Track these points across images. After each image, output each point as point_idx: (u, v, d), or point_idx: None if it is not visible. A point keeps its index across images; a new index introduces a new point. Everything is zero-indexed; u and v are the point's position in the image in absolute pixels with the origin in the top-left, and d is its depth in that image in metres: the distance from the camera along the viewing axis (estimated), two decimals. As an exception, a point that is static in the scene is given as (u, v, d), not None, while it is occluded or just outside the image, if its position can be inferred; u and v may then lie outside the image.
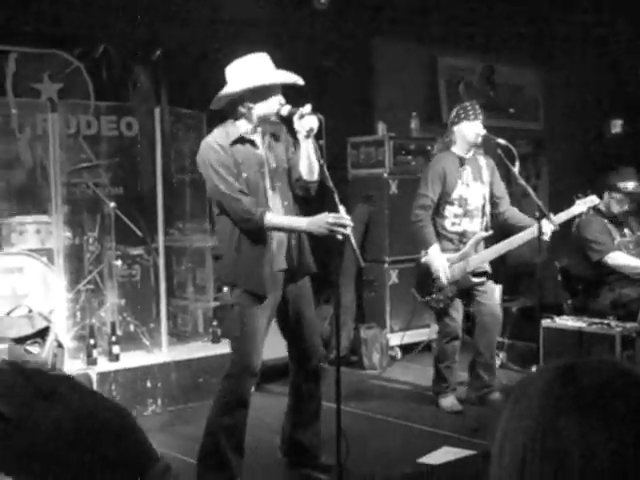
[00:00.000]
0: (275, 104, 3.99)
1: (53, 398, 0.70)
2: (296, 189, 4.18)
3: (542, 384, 0.90)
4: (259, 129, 4.09)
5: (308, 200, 4.23)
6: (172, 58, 7.63)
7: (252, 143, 4.07)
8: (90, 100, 7.18)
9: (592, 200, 5.40)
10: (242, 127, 4.05)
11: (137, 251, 6.50)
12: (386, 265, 7.18)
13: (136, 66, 7.55)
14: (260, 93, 3.98)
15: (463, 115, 5.44)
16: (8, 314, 5.36)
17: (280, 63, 4.13)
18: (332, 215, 3.81)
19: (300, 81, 4.05)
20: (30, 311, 5.40)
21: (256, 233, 3.97)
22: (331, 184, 3.88)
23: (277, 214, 4.02)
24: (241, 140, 4.03)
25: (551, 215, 5.19)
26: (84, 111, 6.97)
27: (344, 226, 3.79)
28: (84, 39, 7.28)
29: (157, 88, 7.59)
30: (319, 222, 3.84)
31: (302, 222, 3.96)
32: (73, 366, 5.59)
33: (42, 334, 5.33)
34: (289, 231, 4.07)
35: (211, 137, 4.05)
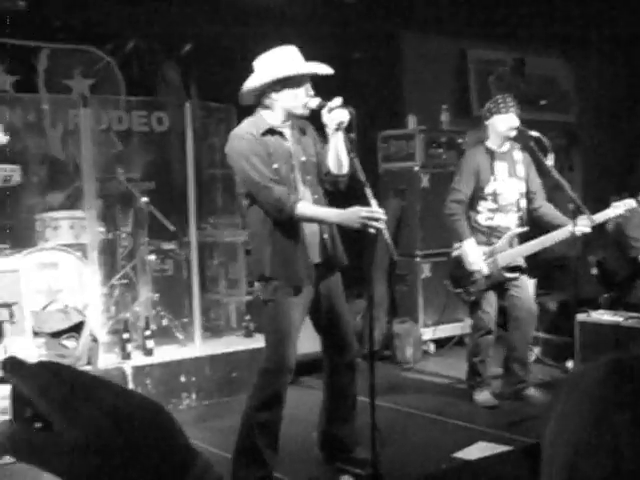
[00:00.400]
0: (303, 96, 3.96)
1: (90, 399, 0.69)
2: (325, 183, 4.15)
3: (596, 379, 0.88)
4: (288, 122, 4.07)
5: (337, 194, 4.20)
6: (202, 52, 7.65)
7: (281, 135, 4.05)
8: (121, 95, 7.21)
9: (629, 204, 5.30)
10: (271, 118, 4.03)
11: (170, 246, 6.52)
12: (418, 259, 7.15)
13: (166, 61, 7.58)
14: (287, 84, 3.96)
15: (495, 108, 5.38)
16: (44, 309, 5.41)
17: (309, 56, 4.10)
18: (365, 209, 3.78)
19: (328, 70, 4.01)
20: (65, 306, 5.44)
21: (288, 225, 3.95)
22: (363, 178, 3.86)
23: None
24: (271, 131, 4.01)
25: (588, 213, 5.11)
26: (115, 106, 7.01)
27: (377, 220, 3.77)
28: (115, 35, 7.32)
29: (187, 83, 7.61)
30: (352, 215, 3.82)
31: (334, 214, 3.94)
32: (108, 360, 5.62)
33: (77, 329, 5.37)
34: (321, 222, 4.04)
35: (240, 128, 4.03)
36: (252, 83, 4.00)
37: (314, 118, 4.06)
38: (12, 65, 6.85)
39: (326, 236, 4.12)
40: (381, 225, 3.78)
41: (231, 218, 6.79)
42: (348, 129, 3.92)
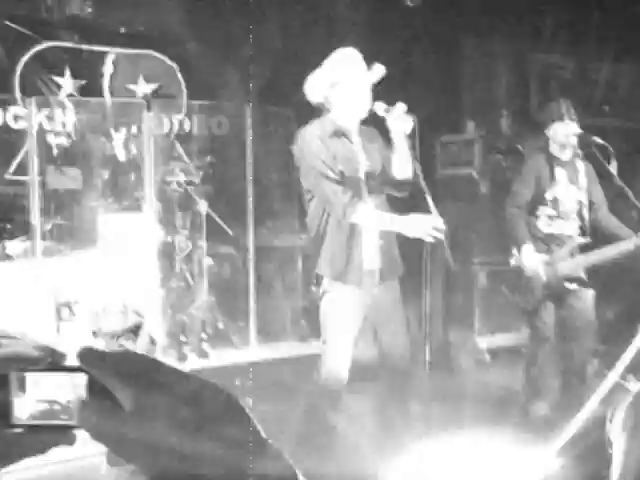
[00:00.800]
0: (362, 100, 3.98)
1: (163, 384, 0.71)
2: (388, 189, 4.16)
3: None
4: (353, 125, 4.09)
5: (400, 201, 4.20)
6: (263, 57, 7.71)
7: (348, 138, 4.07)
8: (182, 100, 7.31)
9: None
10: (338, 120, 4.05)
11: (227, 249, 6.59)
12: (475, 267, 7.09)
13: (227, 65, 7.65)
14: (347, 87, 3.98)
15: (555, 115, 5.31)
16: (103, 309, 5.50)
17: (370, 61, 4.12)
18: (426, 217, 3.78)
19: (382, 71, 4.01)
20: (124, 306, 5.53)
21: (346, 226, 3.97)
22: (424, 185, 3.85)
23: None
24: (337, 133, 4.03)
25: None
26: (177, 110, 7.10)
27: (437, 229, 3.75)
28: (177, 40, 7.42)
29: (247, 87, 7.67)
30: (412, 222, 3.81)
31: (394, 220, 3.94)
32: (164, 362, 5.69)
33: (135, 329, 5.45)
34: (380, 226, 4.03)
35: (309, 127, 4.06)
36: (312, 84, 4.04)
37: (378, 123, 4.07)
38: (79, 70, 7.01)
39: (382, 242, 4.12)
40: (440, 235, 3.76)
41: (289, 222, 6.82)
42: (411, 136, 3.92)
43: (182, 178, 6.52)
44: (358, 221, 3.93)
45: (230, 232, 6.44)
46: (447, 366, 6.86)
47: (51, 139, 6.25)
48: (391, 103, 3.91)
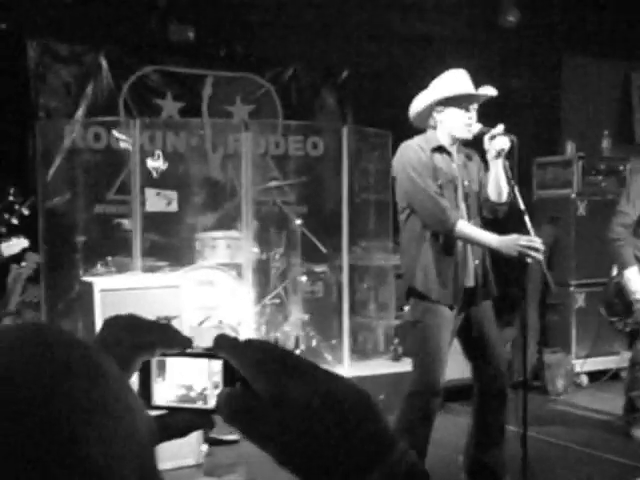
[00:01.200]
0: (465, 117, 3.97)
1: (302, 377, 0.72)
2: (484, 210, 4.13)
3: None
4: (455, 144, 4.09)
5: (495, 223, 4.16)
6: (358, 79, 7.79)
7: (449, 155, 4.07)
8: (279, 121, 7.45)
9: None
10: (441, 138, 4.06)
11: (321, 268, 6.64)
12: (572, 288, 6.95)
13: (323, 87, 7.77)
14: (450, 104, 3.99)
15: None
16: (200, 324, 5.61)
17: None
18: (524, 237, 3.74)
19: (491, 91, 4.01)
20: (220, 322, 5.63)
21: (443, 243, 3.95)
22: (522, 205, 3.82)
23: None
24: (440, 149, 4.04)
25: None
26: (273, 131, 7.24)
27: (536, 250, 3.71)
28: (275, 62, 7.58)
29: (343, 108, 7.76)
30: (510, 242, 3.78)
31: (493, 239, 3.89)
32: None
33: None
34: (478, 244, 3.99)
35: (412, 141, 4.08)
36: (417, 104, 4.07)
37: (476, 144, 4.07)
38: (179, 92, 7.23)
39: (477, 262, 4.09)
40: (539, 255, 3.72)
41: (382, 242, 6.83)
42: (508, 156, 3.90)
43: (278, 197, 6.62)
44: (458, 235, 3.91)
45: (324, 250, 6.49)
46: (543, 389, 6.73)
47: (151, 160, 6.44)
48: (490, 124, 3.91)
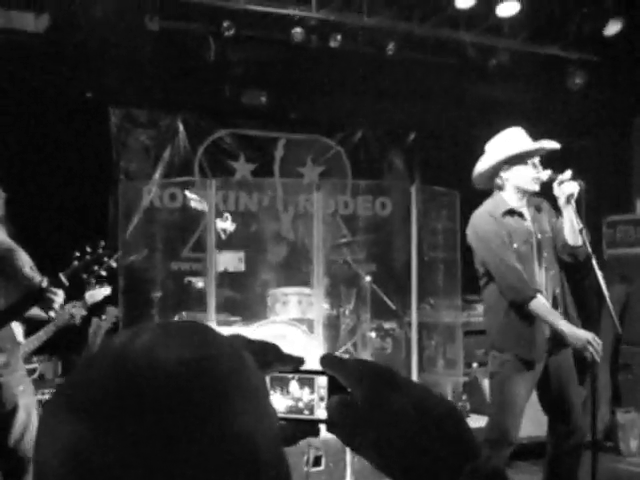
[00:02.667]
0: (531, 171, 4.04)
1: (396, 386, 0.80)
2: (563, 255, 4.15)
3: None
4: (524, 201, 4.14)
5: (576, 267, 4.18)
6: (425, 140, 7.95)
7: (520, 215, 4.13)
8: (348, 181, 7.63)
9: None
10: (510, 199, 4.12)
11: (390, 324, 6.71)
12: (645, 347, 6.86)
13: (392, 149, 7.95)
14: (515, 162, 4.06)
15: None
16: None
17: (536, 139, 4.19)
18: (596, 338, 3.78)
19: (554, 145, 4.08)
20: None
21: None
22: (589, 249, 3.86)
23: (544, 285, 4.03)
24: (510, 212, 4.10)
25: None
26: (342, 191, 7.41)
27: (597, 352, 3.75)
28: (344, 125, 7.80)
29: (411, 168, 7.92)
30: (581, 335, 3.81)
31: (563, 324, 3.91)
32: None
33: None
34: (549, 323, 3.98)
35: (482, 209, 4.15)
36: (482, 165, 4.15)
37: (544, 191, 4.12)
38: (251, 154, 7.50)
39: (560, 311, 4.10)
40: (597, 358, 3.76)
41: (451, 300, 6.88)
42: (578, 201, 3.95)
43: (348, 255, 6.74)
44: (532, 309, 3.94)
45: (393, 307, 6.57)
46: (615, 449, 6.61)
47: (220, 221, 6.64)
48: (560, 172, 3.96)
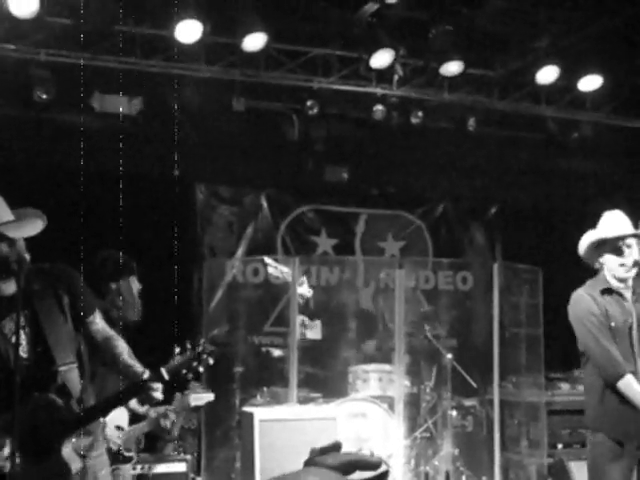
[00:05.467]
0: (618, 261, 4.01)
1: None
2: None
3: None
4: (629, 282, 4.10)
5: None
6: (507, 214, 7.94)
7: (621, 296, 4.09)
8: (429, 256, 7.66)
9: None
10: (610, 280, 4.09)
11: (471, 402, 6.64)
12: None
13: (472, 223, 7.96)
14: (606, 249, 4.05)
15: None
16: (352, 457, 5.69)
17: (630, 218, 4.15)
18: None
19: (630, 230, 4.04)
20: (372, 455, 5.68)
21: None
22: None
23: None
24: (609, 291, 4.08)
25: None
26: (423, 267, 7.43)
27: None
28: (425, 200, 7.87)
29: (492, 243, 7.90)
30: None
31: None
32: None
33: (382, 478, 5.56)
34: (634, 403, 3.92)
35: (582, 288, 4.15)
36: (580, 246, 4.16)
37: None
38: (333, 229, 7.62)
39: None
40: None
41: (534, 378, 6.77)
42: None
43: (429, 331, 6.73)
44: (621, 390, 3.88)
45: (475, 385, 6.51)
46: None
47: (300, 284, 6.71)
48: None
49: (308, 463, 0.99)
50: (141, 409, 4.25)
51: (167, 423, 4.26)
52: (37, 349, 2.97)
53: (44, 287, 3.02)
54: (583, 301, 4.04)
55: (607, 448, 3.93)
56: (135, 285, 4.25)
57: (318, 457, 0.99)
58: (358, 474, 1.03)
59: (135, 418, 4.25)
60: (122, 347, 3.22)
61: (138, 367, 3.15)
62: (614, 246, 4.03)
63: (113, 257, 4.26)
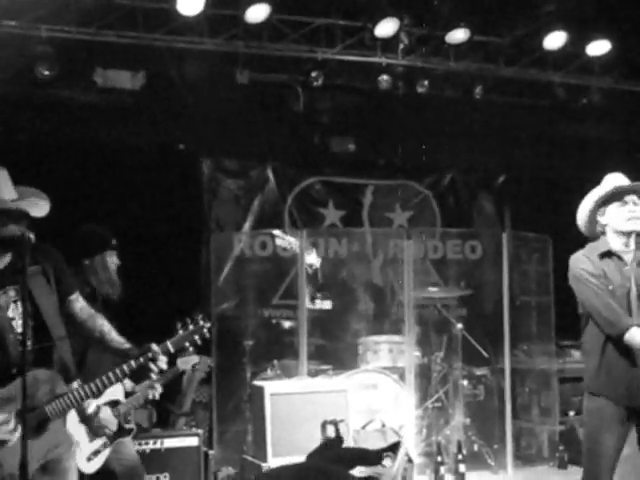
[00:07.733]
0: (625, 212, 3.95)
1: None
2: None
3: None
4: (631, 247, 4.05)
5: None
6: (515, 183, 7.88)
7: (620, 259, 4.04)
8: (437, 226, 7.62)
9: None
10: (612, 243, 4.04)
11: (482, 371, 6.63)
12: None
13: (481, 192, 7.91)
14: (608, 204, 4.00)
15: None
16: (363, 428, 5.70)
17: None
18: None
19: None
20: (383, 425, 5.69)
21: (621, 344, 3.88)
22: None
23: None
24: (609, 254, 4.03)
25: None
26: (431, 236, 7.39)
27: None
28: (432, 169, 7.81)
29: (501, 212, 7.86)
30: None
31: None
32: (421, 482, 5.77)
33: (393, 448, 5.57)
34: None
35: (579, 252, 4.10)
36: (580, 214, 4.10)
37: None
38: (340, 201, 7.58)
39: None
40: None
41: (545, 345, 6.76)
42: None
43: (438, 301, 6.71)
44: (628, 341, 3.84)
45: (485, 354, 6.49)
46: None
47: (309, 253, 6.70)
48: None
49: (312, 457, 0.97)
50: (128, 384, 4.31)
51: (155, 393, 4.37)
52: (34, 323, 3.00)
53: (34, 264, 3.04)
54: (580, 261, 3.99)
55: (607, 413, 3.90)
56: (112, 260, 4.23)
57: (321, 451, 0.97)
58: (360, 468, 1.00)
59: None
60: (106, 325, 3.28)
61: (127, 343, 3.23)
62: (619, 199, 3.98)
63: (87, 233, 4.25)
